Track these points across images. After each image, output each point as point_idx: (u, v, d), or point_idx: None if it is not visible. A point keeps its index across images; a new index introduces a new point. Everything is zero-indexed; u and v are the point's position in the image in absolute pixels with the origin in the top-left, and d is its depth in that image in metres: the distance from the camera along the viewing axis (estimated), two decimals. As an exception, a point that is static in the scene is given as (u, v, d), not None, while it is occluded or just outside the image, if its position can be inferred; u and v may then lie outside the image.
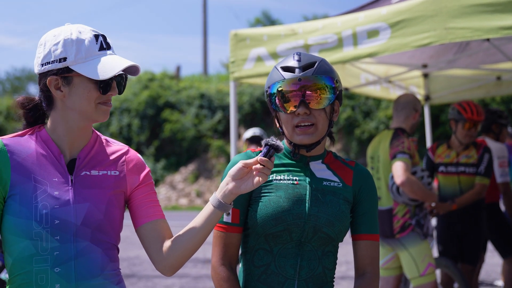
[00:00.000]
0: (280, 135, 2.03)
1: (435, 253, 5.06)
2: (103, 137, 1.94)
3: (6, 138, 1.81)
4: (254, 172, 1.78)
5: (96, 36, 1.82)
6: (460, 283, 4.47)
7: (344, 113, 17.79)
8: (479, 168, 4.60)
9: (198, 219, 1.83)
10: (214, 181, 19.72)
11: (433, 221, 5.40)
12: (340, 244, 2.05)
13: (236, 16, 74.74)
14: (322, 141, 2.01)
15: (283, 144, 2.02)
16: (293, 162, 2.01)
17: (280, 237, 1.93)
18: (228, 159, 19.31)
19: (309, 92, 1.90)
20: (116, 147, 1.93)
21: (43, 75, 1.80)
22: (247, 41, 4.13)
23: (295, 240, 1.93)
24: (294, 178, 1.98)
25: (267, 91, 1.98)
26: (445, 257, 4.65)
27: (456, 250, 4.72)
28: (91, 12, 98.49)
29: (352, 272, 7.01)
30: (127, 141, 21.85)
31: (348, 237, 2.11)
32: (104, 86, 1.80)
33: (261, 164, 1.77)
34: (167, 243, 1.86)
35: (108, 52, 1.82)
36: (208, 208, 1.82)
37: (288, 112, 1.93)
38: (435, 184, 6.45)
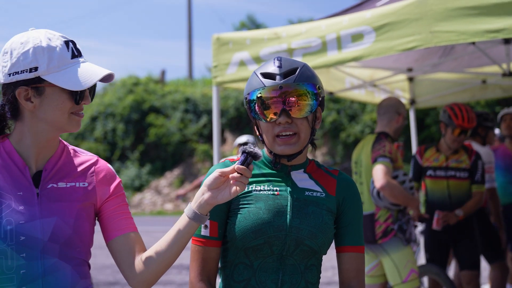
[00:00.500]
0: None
1: (423, 260, 5.01)
2: (70, 147, 1.84)
3: None
4: (231, 181, 1.68)
5: (67, 43, 1.72)
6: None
7: (329, 116, 17.85)
8: (475, 177, 4.53)
9: (172, 232, 1.73)
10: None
11: (420, 227, 5.35)
12: None
13: (221, 20, 74.81)
14: (304, 150, 1.92)
15: (262, 152, 1.93)
16: (274, 171, 1.92)
17: (261, 251, 1.84)
18: (213, 164, 19.20)
19: (290, 100, 1.82)
20: (84, 157, 1.83)
21: (9, 85, 1.70)
22: (229, 45, 4.05)
23: (276, 253, 1.84)
24: (275, 188, 1.89)
25: (246, 98, 1.89)
26: (433, 264, 4.59)
27: (443, 258, 4.65)
28: (75, 17, 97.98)
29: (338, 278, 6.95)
30: (112, 146, 21.75)
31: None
32: (78, 96, 1.71)
33: (238, 173, 1.68)
34: (140, 258, 1.76)
35: (81, 59, 1.74)
36: (183, 220, 1.72)
37: (268, 120, 1.84)
38: (422, 188, 6.41)
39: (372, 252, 4.14)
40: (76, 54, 1.73)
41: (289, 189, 1.89)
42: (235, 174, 1.68)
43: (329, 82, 5.33)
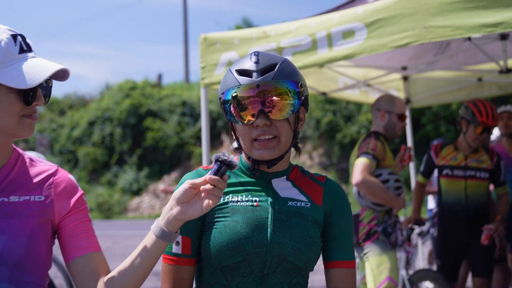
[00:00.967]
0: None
1: (422, 264, 4.84)
2: (26, 155, 1.64)
3: None
4: (203, 194, 1.47)
5: (14, 36, 1.52)
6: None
7: (325, 117, 17.87)
8: (499, 178, 4.34)
9: (138, 251, 1.52)
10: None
11: (417, 231, 5.20)
12: None
13: (216, 23, 74.77)
14: (286, 155, 1.70)
15: (240, 159, 1.75)
16: (253, 180, 1.72)
17: (239, 270, 1.63)
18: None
19: (269, 99, 1.60)
20: (42, 167, 1.63)
21: None
22: (217, 45, 3.89)
23: (257, 272, 1.63)
24: (254, 199, 1.68)
25: (220, 98, 1.67)
26: (430, 269, 4.41)
27: (456, 265, 4.40)
28: (71, 22, 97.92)
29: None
30: (110, 150, 21.81)
31: None
32: (28, 95, 1.51)
33: (211, 184, 1.47)
34: (103, 281, 1.56)
35: (30, 54, 1.53)
36: (150, 238, 1.51)
37: (245, 122, 1.63)
38: (434, 188, 6.23)
39: (359, 256, 3.94)
40: (25, 48, 1.53)
41: (270, 199, 1.69)
42: (208, 186, 1.47)
43: (322, 82, 5.18)
